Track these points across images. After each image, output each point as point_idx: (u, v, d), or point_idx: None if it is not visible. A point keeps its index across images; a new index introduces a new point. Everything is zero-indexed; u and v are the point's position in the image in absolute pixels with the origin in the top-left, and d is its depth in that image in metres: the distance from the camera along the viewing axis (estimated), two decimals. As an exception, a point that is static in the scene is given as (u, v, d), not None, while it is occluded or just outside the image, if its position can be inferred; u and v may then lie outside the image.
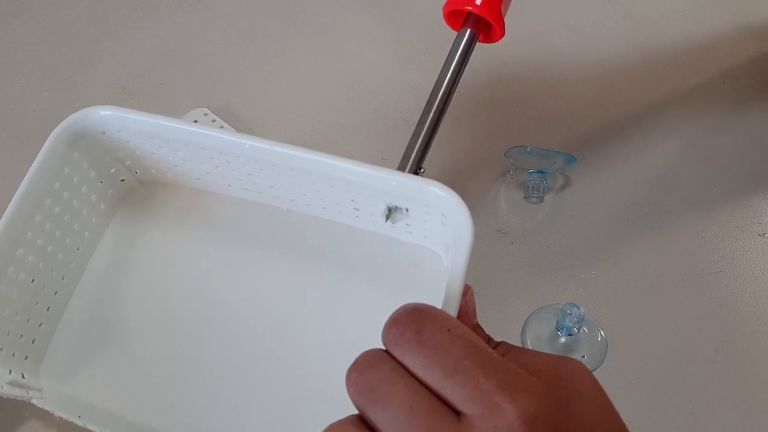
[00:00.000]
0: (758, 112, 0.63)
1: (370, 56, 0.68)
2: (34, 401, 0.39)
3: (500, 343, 0.29)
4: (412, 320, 0.24)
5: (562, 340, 0.48)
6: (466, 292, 0.29)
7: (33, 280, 0.38)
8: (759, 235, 0.53)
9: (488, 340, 0.29)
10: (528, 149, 0.55)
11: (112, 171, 0.41)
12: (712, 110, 0.63)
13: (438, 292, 0.36)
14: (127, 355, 0.40)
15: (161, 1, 0.73)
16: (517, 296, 0.50)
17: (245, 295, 0.40)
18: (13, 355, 0.38)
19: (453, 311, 0.28)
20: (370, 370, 0.24)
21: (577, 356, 0.47)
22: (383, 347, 0.25)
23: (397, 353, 0.24)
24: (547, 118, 0.63)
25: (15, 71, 0.67)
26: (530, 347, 0.47)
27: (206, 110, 0.62)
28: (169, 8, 0.73)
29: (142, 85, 0.66)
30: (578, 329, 0.47)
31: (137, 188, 0.43)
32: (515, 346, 0.28)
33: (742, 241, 0.53)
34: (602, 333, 0.48)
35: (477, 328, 0.30)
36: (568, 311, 0.46)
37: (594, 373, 0.29)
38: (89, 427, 0.38)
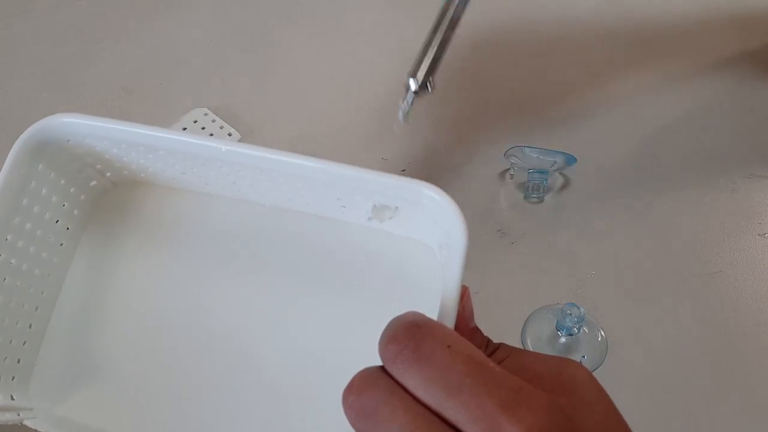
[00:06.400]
0: (759, 112, 0.63)
1: (370, 56, 0.68)
2: (26, 422, 0.38)
3: (499, 345, 0.28)
4: (410, 336, 0.23)
5: (563, 340, 0.48)
6: (464, 294, 0.28)
7: (11, 300, 0.37)
8: (759, 235, 0.53)
9: (487, 342, 0.29)
10: (528, 149, 0.55)
11: (82, 176, 0.40)
12: (712, 111, 0.63)
13: (431, 287, 0.35)
14: (116, 369, 0.39)
15: (161, 1, 0.73)
16: (517, 296, 0.50)
17: (231, 297, 0.39)
18: None
19: (450, 323, 0.27)
20: (367, 392, 0.23)
21: (577, 356, 0.47)
22: (379, 351, 0.24)
23: (395, 372, 0.23)
24: (547, 118, 0.63)
25: (15, 71, 0.67)
26: (530, 347, 0.47)
27: (206, 110, 0.62)
28: (169, 8, 0.73)
29: (142, 85, 0.66)
30: (578, 329, 0.47)
31: (110, 190, 0.42)
32: (515, 349, 0.27)
33: (742, 241, 0.53)
34: (602, 333, 0.48)
35: (475, 331, 0.29)
36: (568, 311, 0.46)
37: (594, 373, 0.29)
38: None
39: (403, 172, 0.51)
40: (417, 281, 0.37)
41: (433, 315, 0.27)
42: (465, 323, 0.28)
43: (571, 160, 0.55)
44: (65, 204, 0.40)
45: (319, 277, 0.39)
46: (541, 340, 0.48)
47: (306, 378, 0.37)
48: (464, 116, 0.63)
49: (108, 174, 0.41)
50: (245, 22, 0.71)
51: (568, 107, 0.63)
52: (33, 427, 0.38)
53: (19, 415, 0.38)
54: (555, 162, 0.55)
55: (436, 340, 0.23)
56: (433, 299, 0.28)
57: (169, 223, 0.41)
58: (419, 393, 0.23)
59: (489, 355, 0.28)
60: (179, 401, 0.38)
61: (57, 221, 0.40)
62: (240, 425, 0.37)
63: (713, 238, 0.53)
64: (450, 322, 0.27)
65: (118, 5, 0.73)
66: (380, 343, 0.24)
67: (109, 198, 0.42)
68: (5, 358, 0.38)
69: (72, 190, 0.40)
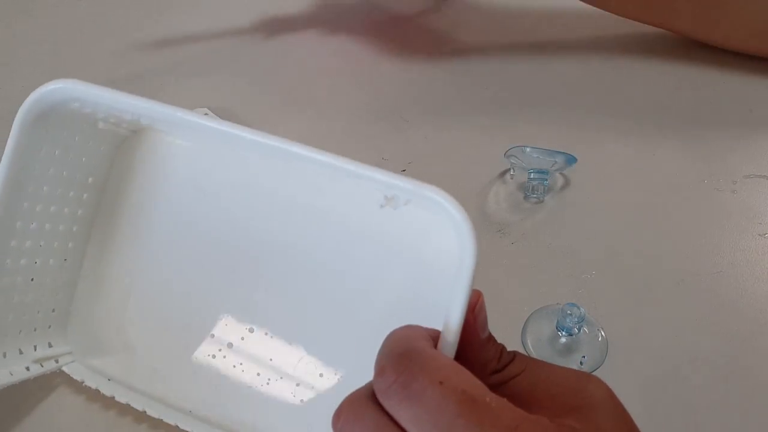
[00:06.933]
0: (759, 112, 0.63)
1: (370, 56, 0.68)
2: (64, 368, 0.39)
3: (514, 356, 0.27)
4: (400, 371, 0.22)
5: (563, 340, 0.48)
6: (476, 302, 0.27)
7: (36, 262, 0.38)
8: (759, 235, 0.53)
9: (501, 351, 0.28)
10: (528, 149, 0.55)
11: (96, 129, 0.39)
12: (712, 110, 0.63)
13: (450, 267, 0.34)
14: (151, 316, 0.40)
15: (161, 1, 0.73)
16: (517, 296, 0.50)
17: (248, 267, 0.40)
18: (35, 330, 0.38)
19: (451, 349, 0.26)
20: (354, 423, 0.23)
21: (577, 356, 0.47)
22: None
23: (385, 404, 0.23)
24: (547, 118, 0.63)
25: (15, 71, 0.67)
26: (530, 347, 0.47)
27: (206, 110, 0.62)
28: (168, 8, 0.73)
29: (142, 85, 0.66)
30: (578, 329, 0.47)
31: (130, 137, 0.41)
32: (531, 361, 0.26)
33: (742, 241, 0.53)
34: (602, 333, 0.48)
35: (488, 342, 0.28)
36: (568, 311, 0.46)
37: (594, 373, 0.28)
38: (118, 396, 0.38)
39: (404, 173, 0.51)
40: (435, 263, 0.36)
41: (449, 305, 0.26)
42: (476, 334, 0.27)
43: (571, 160, 0.55)
44: (84, 158, 0.40)
45: (336, 263, 0.38)
46: (541, 341, 0.48)
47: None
48: (464, 116, 0.63)
49: (124, 125, 0.40)
50: (245, 22, 0.71)
51: (568, 107, 0.63)
52: (69, 373, 0.39)
53: (57, 362, 0.39)
54: (555, 162, 0.55)
55: (426, 376, 0.22)
56: (452, 281, 0.27)
57: (190, 169, 0.41)
58: (409, 429, 0.22)
59: (502, 368, 0.27)
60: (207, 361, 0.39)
61: (77, 175, 0.40)
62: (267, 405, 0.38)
63: (713, 238, 0.53)
64: (451, 349, 0.26)
65: (118, 5, 0.73)
66: (374, 367, 0.23)
67: (130, 145, 0.42)
68: (38, 311, 0.39)
69: (90, 143, 0.40)
